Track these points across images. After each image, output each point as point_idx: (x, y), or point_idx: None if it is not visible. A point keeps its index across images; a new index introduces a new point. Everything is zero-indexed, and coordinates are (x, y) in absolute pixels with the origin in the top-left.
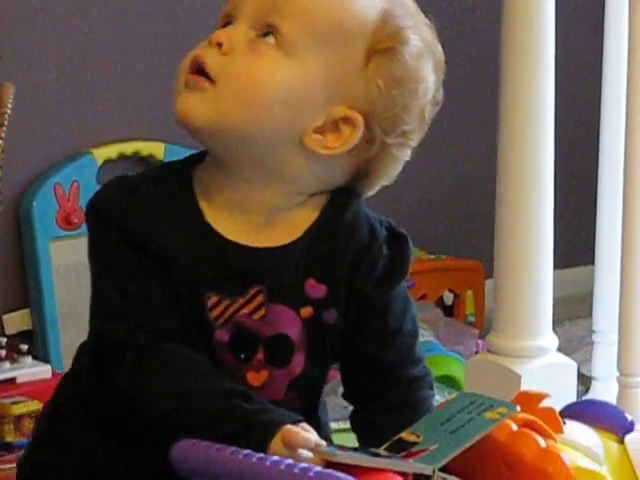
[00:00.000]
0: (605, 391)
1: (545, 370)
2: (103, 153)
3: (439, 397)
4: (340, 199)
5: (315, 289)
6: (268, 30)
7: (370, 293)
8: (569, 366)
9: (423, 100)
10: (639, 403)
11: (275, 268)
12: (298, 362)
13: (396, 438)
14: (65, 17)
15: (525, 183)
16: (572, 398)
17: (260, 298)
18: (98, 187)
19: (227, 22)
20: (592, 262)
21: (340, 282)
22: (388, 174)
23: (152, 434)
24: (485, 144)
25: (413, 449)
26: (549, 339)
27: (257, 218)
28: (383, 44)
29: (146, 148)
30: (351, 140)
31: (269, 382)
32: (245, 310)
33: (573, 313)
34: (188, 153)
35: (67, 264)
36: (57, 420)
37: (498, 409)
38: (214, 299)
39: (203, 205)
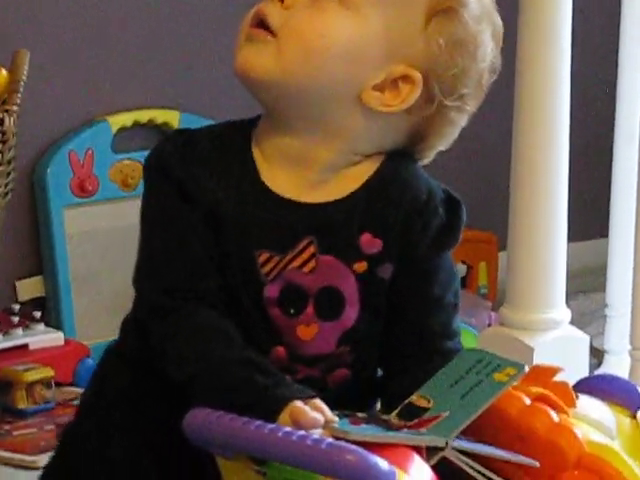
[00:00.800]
0: (618, 365)
1: (558, 343)
2: (118, 120)
3: None
4: (398, 158)
5: (370, 244)
6: None
7: (421, 253)
8: (582, 339)
9: (482, 65)
10: None
11: (328, 221)
12: (350, 315)
13: (407, 402)
14: None
15: (540, 155)
16: (584, 371)
17: (311, 249)
18: (112, 154)
19: None
20: (606, 235)
21: (396, 236)
22: (445, 138)
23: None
24: (501, 115)
25: (424, 416)
26: (562, 312)
27: (312, 175)
28: (444, 4)
29: (161, 116)
30: (410, 99)
31: (319, 335)
32: (295, 263)
33: (586, 286)
34: (203, 122)
35: (81, 231)
36: (103, 393)
37: (506, 370)
38: (265, 256)
39: (259, 163)
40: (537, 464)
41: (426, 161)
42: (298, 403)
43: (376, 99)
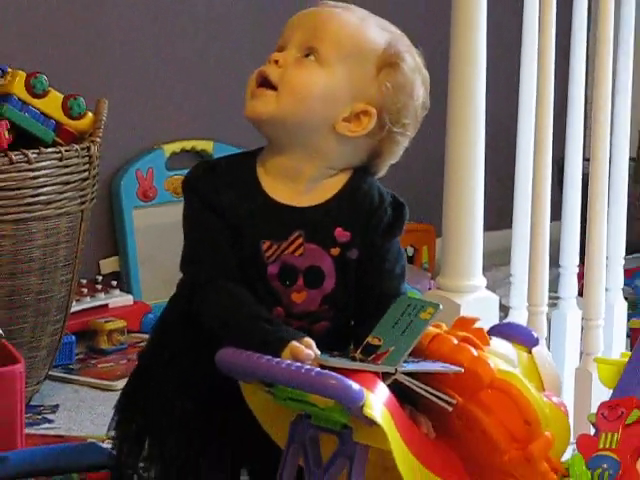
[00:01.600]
0: (518, 317)
1: (477, 302)
2: (170, 148)
3: None
4: (361, 173)
5: (342, 235)
6: (309, 51)
7: (377, 241)
8: (494, 299)
9: (416, 102)
10: (542, 325)
11: (312, 219)
12: (328, 285)
13: (365, 343)
14: (146, 46)
15: (463, 170)
16: (495, 321)
17: (300, 240)
18: (166, 171)
19: (281, 49)
20: (510, 227)
21: (359, 229)
22: (393, 155)
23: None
24: (440, 133)
25: (378, 352)
26: (480, 280)
27: (301, 186)
28: (390, 60)
29: (200, 144)
30: (368, 126)
31: (308, 299)
32: (289, 250)
33: (497, 262)
34: (232, 149)
35: (145, 225)
36: (165, 333)
37: (428, 309)
38: (267, 244)
39: (262, 178)
40: (462, 370)
41: (381, 174)
42: (295, 343)
43: (345, 128)
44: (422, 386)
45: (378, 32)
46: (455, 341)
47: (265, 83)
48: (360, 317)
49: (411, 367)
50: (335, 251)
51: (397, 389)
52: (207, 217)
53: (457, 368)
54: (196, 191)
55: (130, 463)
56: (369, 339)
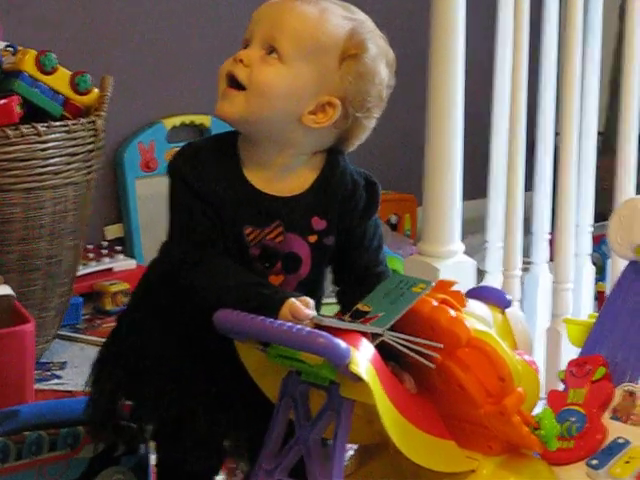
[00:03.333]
0: (493, 280)
1: (455, 266)
2: (170, 122)
3: None
4: (332, 159)
5: (318, 223)
6: (272, 49)
7: (355, 224)
8: (471, 264)
9: (379, 87)
10: (516, 288)
11: (289, 211)
12: (304, 270)
13: (354, 309)
14: (151, 26)
15: (444, 142)
16: (472, 285)
17: (280, 229)
18: (167, 144)
19: (246, 44)
20: (485, 196)
21: (335, 217)
22: (360, 137)
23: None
24: (421, 110)
25: (367, 316)
26: (458, 245)
27: (275, 174)
28: (350, 52)
29: (198, 119)
30: (334, 117)
31: (284, 282)
32: (270, 236)
33: (474, 229)
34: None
35: (146, 194)
36: (149, 291)
37: (419, 285)
38: (249, 229)
39: (243, 165)
40: (441, 346)
41: (351, 149)
42: (294, 300)
43: (311, 120)
44: (408, 344)
45: (339, 22)
46: (434, 302)
47: (234, 83)
48: (344, 286)
49: (398, 335)
50: (312, 238)
51: (383, 349)
52: (193, 201)
53: (436, 344)
54: (181, 176)
55: (106, 418)
56: (359, 306)
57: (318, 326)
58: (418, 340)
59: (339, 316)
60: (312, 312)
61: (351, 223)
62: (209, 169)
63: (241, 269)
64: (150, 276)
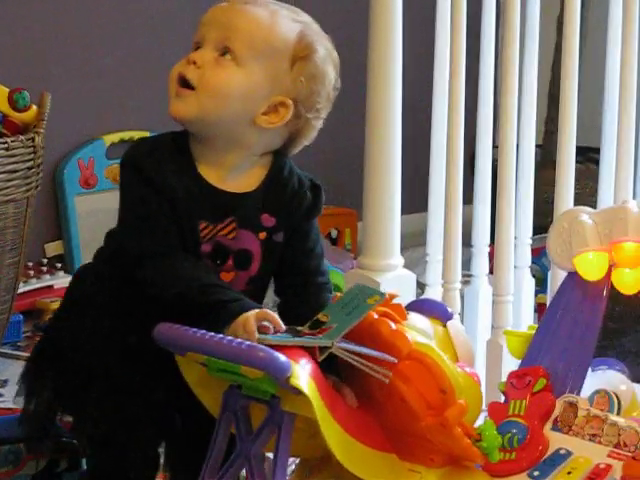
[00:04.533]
0: (434, 293)
1: (395, 279)
2: (110, 138)
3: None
4: (279, 162)
5: (268, 220)
6: (225, 50)
7: (298, 222)
8: (411, 277)
9: (328, 87)
10: (456, 301)
11: (242, 207)
12: (255, 267)
13: (315, 319)
14: (89, 43)
15: (383, 157)
16: (412, 297)
17: (233, 225)
18: (106, 160)
19: (197, 47)
20: (426, 210)
21: (283, 215)
22: (309, 137)
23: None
24: (361, 124)
25: (323, 327)
26: (398, 259)
27: (227, 172)
28: (301, 53)
29: (137, 135)
30: (286, 117)
31: (235, 279)
32: (223, 232)
33: (414, 243)
34: None
35: (86, 211)
36: (77, 298)
37: (374, 297)
38: (203, 224)
39: (197, 162)
40: (395, 360)
41: (296, 150)
42: (257, 311)
43: (264, 120)
44: (357, 359)
45: (289, 25)
46: (375, 316)
47: (185, 84)
48: (284, 293)
49: (349, 346)
50: (262, 235)
51: (323, 363)
52: (149, 195)
53: (390, 358)
54: (138, 169)
55: (43, 432)
56: (319, 316)
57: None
58: (370, 352)
59: (299, 329)
60: (278, 323)
61: (296, 222)
62: (165, 162)
63: (202, 267)
64: (82, 276)
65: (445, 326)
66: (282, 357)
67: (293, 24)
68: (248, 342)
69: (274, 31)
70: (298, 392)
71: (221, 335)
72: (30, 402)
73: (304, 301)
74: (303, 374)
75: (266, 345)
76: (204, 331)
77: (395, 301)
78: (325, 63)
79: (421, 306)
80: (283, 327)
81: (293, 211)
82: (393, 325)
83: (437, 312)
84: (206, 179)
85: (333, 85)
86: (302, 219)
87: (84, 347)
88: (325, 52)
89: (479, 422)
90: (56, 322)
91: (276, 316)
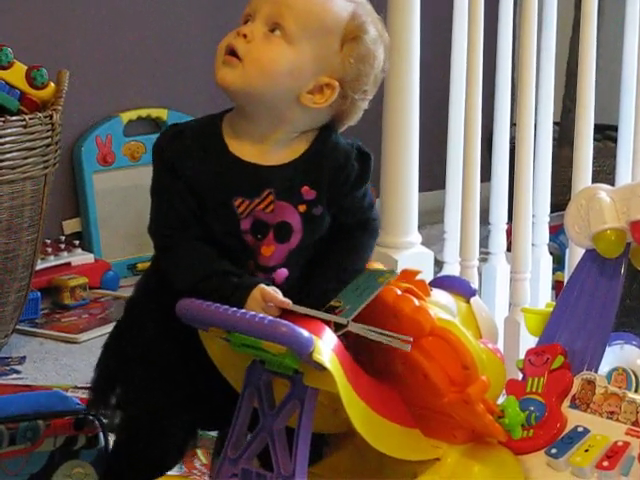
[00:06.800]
0: (452, 271)
1: (413, 257)
2: (127, 115)
3: None
4: (324, 133)
5: (308, 193)
6: (275, 27)
7: (346, 194)
8: (428, 254)
9: (377, 70)
10: (474, 278)
11: (281, 178)
12: (295, 240)
13: (328, 306)
14: (107, 21)
15: (400, 135)
16: (430, 275)
17: (270, 198)
18: (124, 138)
19: (247, 20)
20: (444, 187)
21: (324, 189)
22: (354, 117)
23: None
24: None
25: (337, 310)
26: (416, 236)
27: (267, 147)
28: (352, 34)
29: (155, 112)
30: (331, 98)
31: (275, 252)
32: (260, 207)
33: (432, 220)
34: (184, 116)
35: (104, 188)
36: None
37: (385, 275)
38: (239, 200)
39: (228, 140)
40: (411, 339)
41: (343, 129)
42: (265, 286)
43: (309, 100)
44: (376, 330)
45: (342, 4)
46: (398, 292)
47: (233, 55)
48: (329, 246)
49: (365, 327)
50: (302, 207)
51: (345, 339)
52: (170, 182)
53: (406, 337)
54: (162, 157)
55: (102, 408)
56: (332, 303)
57: (283, 314)
58: (384, 332)
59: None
60: (282, 298)
61: (342, 194)
62: (191, 145)
63: (214, 254)
64: (150, 277)
65: (468, 302)
66: (305, 332)
67: (346, 3)
68: (270, 317)
69: (327, 10)
70: (321, 367)
71: (243, 310)
72: (96, 371)
73: (349, 246)
74: (326, 349)
75: (286, 315)
76: (227, 306)
77: (418, 277)
78: (375, 45)
79: (445, 282)
80: (289, 302)
81: (337, 187)
82: (416, 301)
83: (460, 289)
84: (239, 156)
85: (382, 67)
86: (351, 189)
87: (142, 325)
88: (376, 33)
89: (502, 399)
90: (131, 296)
91: (280, 293)
